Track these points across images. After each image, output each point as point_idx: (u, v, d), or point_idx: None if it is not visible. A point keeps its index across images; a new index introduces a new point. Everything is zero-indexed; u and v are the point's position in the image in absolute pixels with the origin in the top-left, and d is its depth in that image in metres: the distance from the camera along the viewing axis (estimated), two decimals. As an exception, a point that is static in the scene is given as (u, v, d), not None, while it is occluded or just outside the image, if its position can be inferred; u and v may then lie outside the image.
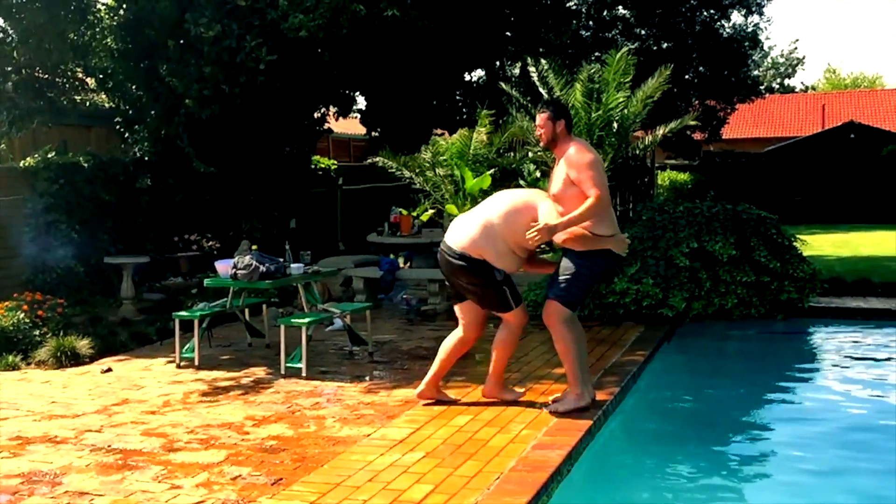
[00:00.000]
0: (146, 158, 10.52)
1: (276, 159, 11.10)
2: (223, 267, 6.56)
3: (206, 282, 6.80)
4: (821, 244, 14.24)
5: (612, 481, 4.50)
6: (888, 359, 7.01)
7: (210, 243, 9.59)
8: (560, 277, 4.88)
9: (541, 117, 4.89)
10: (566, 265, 4.88)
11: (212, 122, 9.96)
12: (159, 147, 10.36)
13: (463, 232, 4.97)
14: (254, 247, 6.66)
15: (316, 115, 12.00)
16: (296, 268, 6.57)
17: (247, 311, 7.23)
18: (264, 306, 7.46)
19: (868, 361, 6.90)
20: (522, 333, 5.26)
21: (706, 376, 6.69)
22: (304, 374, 6.07)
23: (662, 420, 5.54)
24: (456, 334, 5.24)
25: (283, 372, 6.17)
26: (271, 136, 10.81)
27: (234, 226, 10.53)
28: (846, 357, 7.13)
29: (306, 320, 6.20)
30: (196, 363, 6.52)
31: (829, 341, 7.78)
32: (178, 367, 6.56)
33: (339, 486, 3.95)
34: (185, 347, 6.62)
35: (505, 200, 5.01)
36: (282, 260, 6.63)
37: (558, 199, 4.82)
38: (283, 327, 6.22)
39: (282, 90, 10.01)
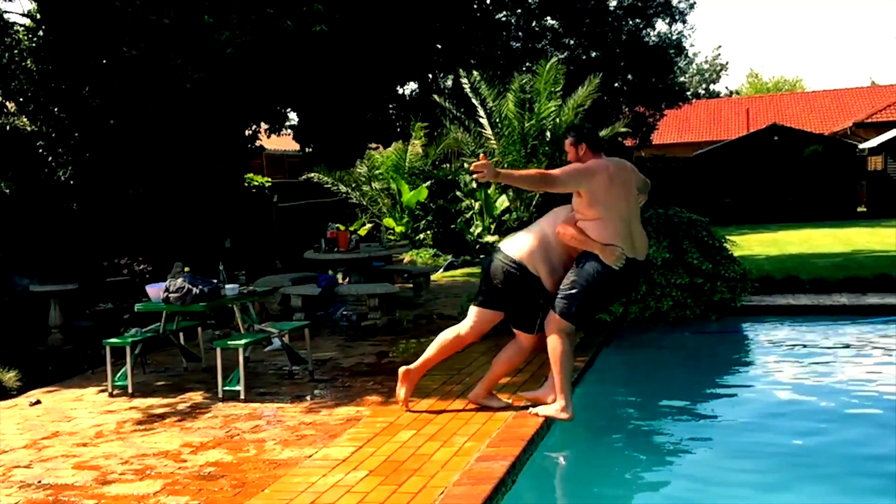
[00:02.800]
0: (71, 182, 10.22)
1: (207, 178, 10.90)
2: (154, 291, 6.39)
3: (137, 307, 6.61)
4: (750, 244, 14.65)
5: (557, 490, 4.52)
6: (818, 353, 7.21)
7: (141, 267, 9.35)
8: (560, 289, 4.97)
9: (565, 143, 5.11)
10: (566, 278, 4.97)
11: (139, 143, 9.73)
12: (85, 170, 10.07)
13: (522, 243, 5.09)
14: (186, 269, 6.50)
15: (247, 132, 11.85)
16: (230, 288, 6.44)
17: (181, 334, 7.06)
18: (199, 329, 7.29)
19: (799, 356, 7.09)
20: (529, 356, 5.41)
21: (646, 379, 6.78)
22: (242, 397, 5.94)
23: (605, 425, 5.58)
24: (456, 330, 5.34)
25: (220, 395, 6.02)
26: (202, 155, 10.62)
27: (166, 248, 10.29)
28: (779, 353, 7.31)
29: (243, 341, 6.08)
30: (129, 391, 6.32)
31: (762, 338, 7.98)
32: (111, 395, 6.36)
33: (280, 511, 3.87)
34: (118, 375, 6.42)
35: (560, 214, 5.14)
36: (216, 281, 6.49)
37: (575, 210, 5.00)
38: (219, 350, 6.08)
39: (211, 108, 9.85)
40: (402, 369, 5.43)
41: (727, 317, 8.19)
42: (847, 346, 7.38)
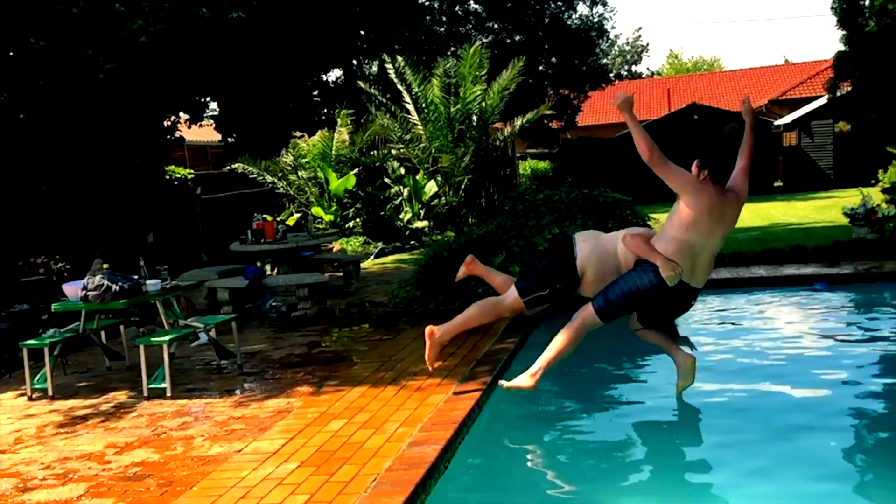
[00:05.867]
0: (-20, 180, 9.78)
1: (125, 171, 10.57)
2: (72, 289, 6.17)
3: (54, 306, 6.38)
4: (674, 221, 14.97)
5: (490, 473, 4.52)
6: (737, 323, 7.44)
7: (59, 265, 9.02)
8: (606, 287, 5.02)
9: (694, 162, 5.03)
10: (618, 277, 5.03)
11: (51, 137, 9.36)
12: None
13: (590, 245, 5.18)
14: (105, 265, 6.30)
15: (166, 122, 11.51)
16: (152, 284, 6.27)
17: (103, 333, 6.85)
18: (122, 327, 7.09)
19: (720, 326, 7.30)
20: (494, 317, 5.60)
21: (577, 357, 6.86)
22: (168, 394, 5.81)
23: (537, 405, 5.63)
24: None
25: (145, 394, 5.87)
26: (118, 148, 10.28)
27: (84, 245, 9.95)
28: (700, 325, 7.50)
29: (167, 337, 5.93)
30: (50, 393, 6.11)
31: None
32: (30, 399, 6.13)
33: (210, 508, 3.80)
34: (37, 378, 6.20)
35: (637, 229, 5.26)
36: (136, 277, 6.31)
37: (668, 219, 4.97)
38: (142, 347, 5.92)
39: (126, 99, 9.53)
40: (469, 257, 5.88)
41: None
42: (764, 316, 7.64)
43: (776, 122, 24.53)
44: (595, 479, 4.33)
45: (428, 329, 5.53)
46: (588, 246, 5.16)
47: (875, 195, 10.92)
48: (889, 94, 9.98)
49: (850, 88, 11.17)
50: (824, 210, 15.31)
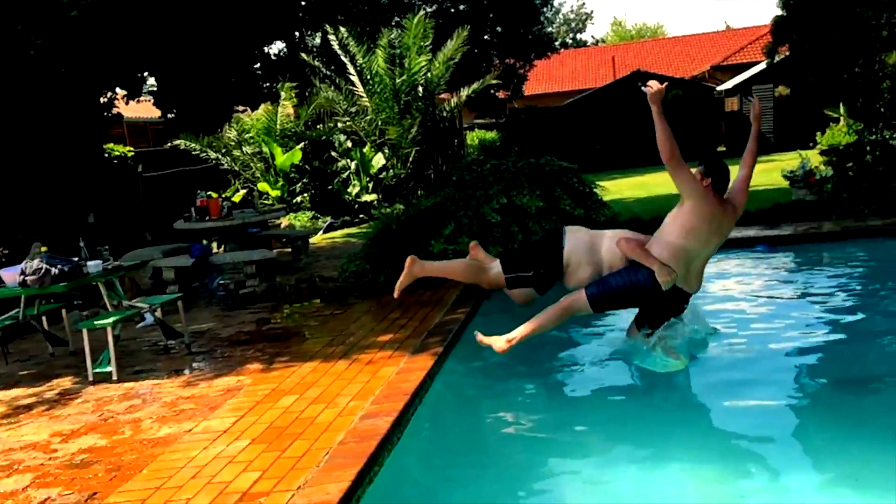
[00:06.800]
0: None
1: (62, 151, 10.25)
2: (10, 275, 5.99)
3: (-9, 293, 6.19)
4: (620, 188, 15.17)
5: (443, 443, 4.55)
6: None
7: (-4, 250, 8.76)
8: (601, 278, 5.11)
9: (698, 168, 5.05)
10: (615, 271, 5.12)
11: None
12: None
13: (578, 239, 5.27)
14: (43, 248, 6.12)
15: (102, 99, 11.18)
16: (93, 265, 6.11)
17: (44, 318, 6.68)
18: (64, 311, 6.92)
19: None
20: (472, 280, 5.69)
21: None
22: (115, 378, 5.70)
23: (488, 376, 5.66)
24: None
25: (91, 379, 5.75)
26: (53, 126, 9.95)
27: (22, 229, 9.66)
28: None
29: (110, 320, 5.80)
30: (-9, 382, 5.96)
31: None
32: (-30, 389, 5.97)
33: (160, 490, 3.75)
34: (-24, 367, 6.02)
35: (629, 233, 5.28)
36: (77, 259, 6.15)
37: (667, 222, 5.04)
38: (85, 331, 5.79)
39: (59, 75, 9.22)
40: (473, 243, 5.87)
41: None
42: (707, 278, 7.75)
43: (718, 88, 24.88)
44: (546, 448, 4.39)
45: (410, 257, 5.55)
46: (576, 239, 5.27)
47: (813, 157, 11.16)
48: (825, 57, 10.16)
49: (788, 53, 11.36)
50: (765, 173, 15.56)
